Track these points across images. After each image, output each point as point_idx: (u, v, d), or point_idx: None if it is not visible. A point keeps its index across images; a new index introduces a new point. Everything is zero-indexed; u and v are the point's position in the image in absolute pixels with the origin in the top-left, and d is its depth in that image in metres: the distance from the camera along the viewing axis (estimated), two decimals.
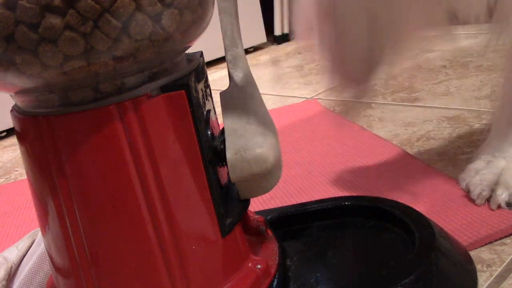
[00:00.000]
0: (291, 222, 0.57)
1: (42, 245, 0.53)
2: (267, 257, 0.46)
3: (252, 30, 1.94)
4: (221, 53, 1.71)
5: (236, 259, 0.44)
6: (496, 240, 0.55)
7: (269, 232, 0.51)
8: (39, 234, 0.56)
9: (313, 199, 0.60)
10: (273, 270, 0.45)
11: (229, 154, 0.43)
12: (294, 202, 0.67)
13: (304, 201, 0.62)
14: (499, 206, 0.59)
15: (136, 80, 0.39)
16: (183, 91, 0.39)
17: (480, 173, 0.63)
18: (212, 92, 0.48)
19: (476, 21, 0.58)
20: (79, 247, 0.40)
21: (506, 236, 0.56)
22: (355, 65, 0.59)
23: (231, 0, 0.44)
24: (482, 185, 0.61)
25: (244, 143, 0.42)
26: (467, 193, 0.64)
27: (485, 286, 0.49)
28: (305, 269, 0.49)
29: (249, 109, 0.44)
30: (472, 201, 0.62)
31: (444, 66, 1.25)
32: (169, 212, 0.39)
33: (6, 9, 0.32)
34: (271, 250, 0.48)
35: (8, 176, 1.05)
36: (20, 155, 0.43)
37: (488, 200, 0.61)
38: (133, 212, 0.39)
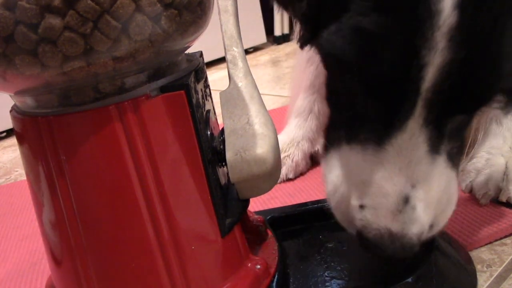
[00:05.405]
0: (291, 222, 0.57)
1: None
2: (266, 257, 0.46)
3: (252, 30, 1.94)
4: (221, 53, 1.70)
5: (236, 259, 0.44)
6: (496, 240, 0.55)
7: (269, 232, 0.51)
8: None
9: (313, 199, 0.60)
10: (272, 270, 0.45)
11: (229, 155, 0.42)
12: (294, 202, 0.66)
13: (304, 201, 0.62)
14: (508, 200, 0.60)
15: (136, 80, 0.39)
16: (182, 91, 0.39)
17: (483, 173, 0.63)
18: (212, 92, 0.48)
19: None
20: (78, 248, 0.40)
21: (506, 236, 0.56)
22: None
23: (230, 0, 0.44)
24: (488, 185, 0.61)
25: (244, 144, 0.42)
26: (468, 194, 0.64)
27: (485, 286, 0.49)
28: (305, 269, 0.49)
29: (249, 109, 0.44)
30: (472, 201, 0.62)
31: None
32: (168, 212, 0.39)
33: (5, 10, 0.32)
34: (271, 250, 0.48)
35: (8, 177, 1.05)
36: (20, 156, 0.43)
37: (491, 200, 0.61)
38: (133, 212, 0.39)
